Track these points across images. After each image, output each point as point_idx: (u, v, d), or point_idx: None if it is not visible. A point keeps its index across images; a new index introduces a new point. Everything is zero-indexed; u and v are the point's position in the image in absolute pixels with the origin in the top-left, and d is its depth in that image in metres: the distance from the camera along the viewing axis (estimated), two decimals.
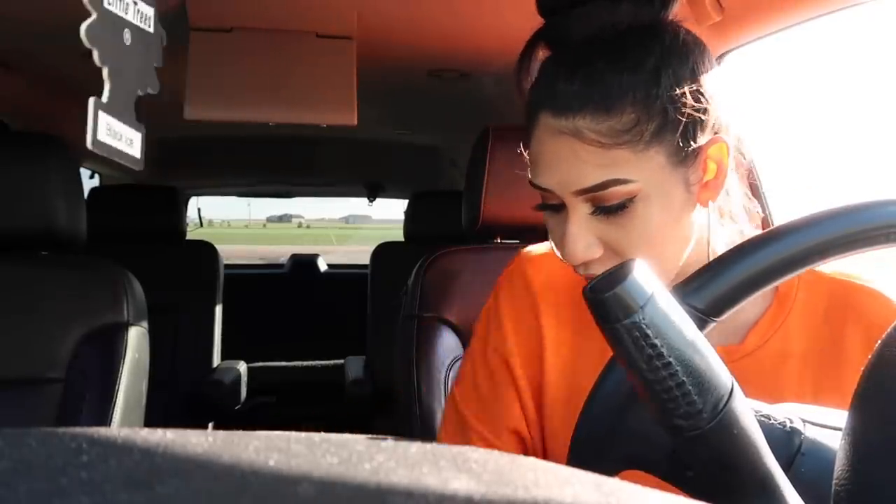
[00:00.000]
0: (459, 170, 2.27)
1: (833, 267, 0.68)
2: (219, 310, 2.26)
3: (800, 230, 0.46)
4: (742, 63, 1.22)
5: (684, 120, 0.58)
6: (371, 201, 3.30)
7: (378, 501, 0.17)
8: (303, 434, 0.22)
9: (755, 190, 1.23)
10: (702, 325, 0.46)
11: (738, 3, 1.05)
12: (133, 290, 1.14)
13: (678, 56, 0.59)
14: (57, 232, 1.11)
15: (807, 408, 0.44)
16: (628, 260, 0.36)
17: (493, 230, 1.25)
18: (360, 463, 0.19)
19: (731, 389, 0.36)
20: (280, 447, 0.20)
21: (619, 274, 0.35)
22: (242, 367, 2.31)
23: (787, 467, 0.39)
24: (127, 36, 0.33)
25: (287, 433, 0.22)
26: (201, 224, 3.67)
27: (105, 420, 1.06)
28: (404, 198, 2.92)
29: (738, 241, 0.68)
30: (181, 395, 2.07)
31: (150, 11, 0.34)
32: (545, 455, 0.74)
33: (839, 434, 0.32)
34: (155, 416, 1.19)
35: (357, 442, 0.21)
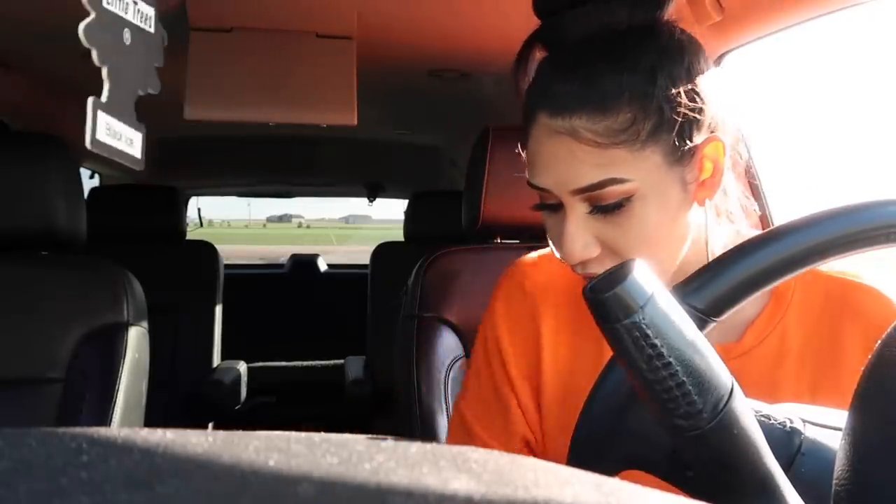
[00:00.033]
0: (459, 170, 2.27)
1: (830, 265, 0.68)
2: (219, 310, 2.26)
3: (800, 230, 0.46)
4: (742, 63, 1.22)
5: (680, 119, 0.58)
6: (371, 201, 3.30)
7: (378, 501, 0.17)
8: (303, 434, 0.22)
9: (755, 190, 1.23)
10: (702, 325, 0.46)
11: (738, 3, 1.05)
12: (133, 290, 1.14)
13: (674, 56, 0.59)
14: (57, 232, 1.11)
15: (807, 408, 0.44)
16: (628, 260, 0.36)
17: (493, 230, 1.25)
18: (360, 463, 0.19)
19: (732, 389, 0.36)
20: (280, 447, 0.20)
21: (619, 274, 0.35)
22: (242, 367, 2.31)
23: (787, 467, 0.39)
24: (127, 36, 0.33)
25: (287, 433, 0.22)
26: (201, 224, 3.67)
27: (105, 420, 1.06)
28: (404, 198, 2.91)
29: (735, 240, 0.69)
30: (181, 395, 2.07)
31: (150, 11, 0.34)
32: (544, 455, 0.74)
33: (839, 434, 0.32)
34: (155, 416, 1.19)
35: (357, 442, 0.21)
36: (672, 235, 0.62)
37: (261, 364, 2.97)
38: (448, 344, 1.14)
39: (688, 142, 0.59)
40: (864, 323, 0.64)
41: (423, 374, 1.11)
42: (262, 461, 0.19)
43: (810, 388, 0.65)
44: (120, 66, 0.32)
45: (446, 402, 1.10)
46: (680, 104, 0.58)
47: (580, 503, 0.17)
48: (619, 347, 0.35)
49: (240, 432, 0.21)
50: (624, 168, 0.58)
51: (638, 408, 0.43)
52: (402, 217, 2.65)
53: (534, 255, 0.80)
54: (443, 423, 1.09)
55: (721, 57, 1.18)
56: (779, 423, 0.41)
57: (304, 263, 3.50)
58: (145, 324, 1.16)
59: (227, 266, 2.41)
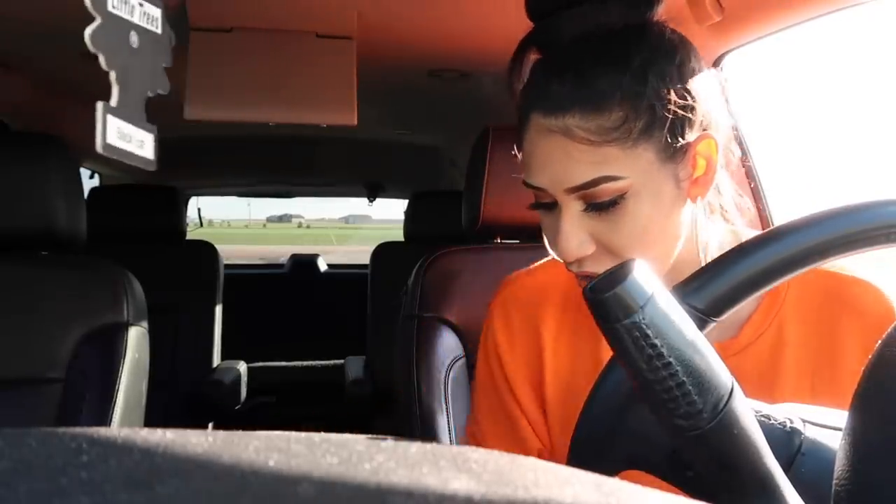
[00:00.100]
0: (459, 170, 2.27)
1: None
2: (219, 310, 2.26)
3: (800, 230, 0.46)
4: (742, 63, 1.22)
5: (671, 117, 0.59)
6: (371, 201, 3.30)
7: (378, 501, 0.17)
8: (303, 434, 0.22)
9: (755, 190, 1.23)
10: (702, 325, 0.46)
11: (738, 3, 1.04)
12: (133, 290, 1.14)
13: (664, 55, 0.60)
14: (57, 232, 1.11)
15: (807, 408, 0.44)
16: (628, 260, 0.36)
17: (493, 230, 1.25)
18: (360, 463, 0.19)
19: (732, 389, 0.36)
20: (280, 447, 0.20)
21: (619, 274, 0.35)
22: (242, 367, 2.31)
23: (787, 467, 0.39)
24: (134, 38, 0.33)
25: (287, 433, 0.22)
26: (201, 224, 3.67)
27: (105, 420, 1.06)
28: (404, 198, 2.92)
29: (732, 238, 0.69)
30: (181, 395, 2.07)
31: (157, 12, 0.34)
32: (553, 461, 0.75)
33: (839, 434, 0.32)
34: (155, 416, 1.19)
35: (357, 442, 0.21)
36: (666, 232, 0.62)
37: (261, 364, 2.97)
38: (448, 344, 1.14)
39: (680, 139, 0.60)
40: (860, 316, 0.65)
41: (423, 374, 1.11)
42: (262, 461, 0.19)
43: (809, 383, 0.65)
44: (128, 69, 0.32)
45: (446, 402, 1.10)
46: (671, 102, 0.59)
47: (580, 503, 0.17)
48: (619, 347, 0.35)
49: (240, 432, 0.21)
50: (617, 166, 0.59)
51: (638, 408, 0.43)
52: (402, 217, 2.65)
53: (528, 268, 0.81)
54: (443, 423, 1.09)
55: (721, 57, 1.18)
56: (779, 423, 0.41)
57: (304, 263, 3.50)
58: (145, 324, 1.16)
59: (227, 266, 2.41)
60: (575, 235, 0.62)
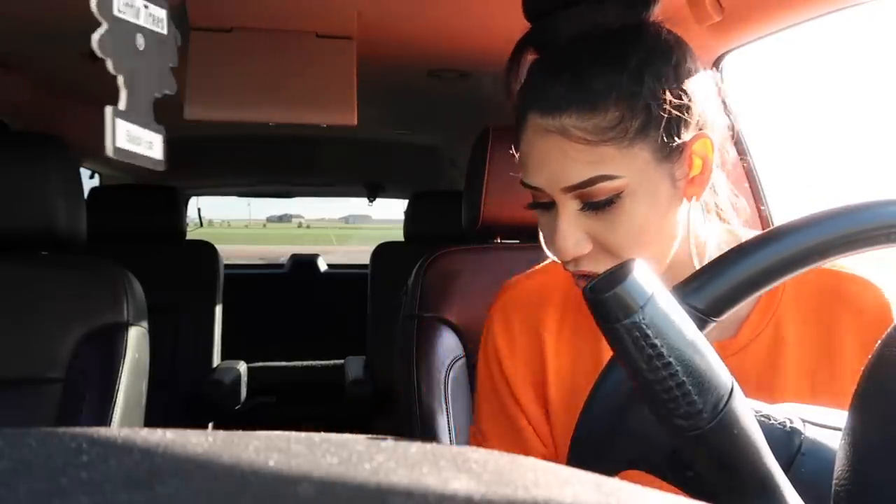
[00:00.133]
0: (459, 170, 2.27)
1: None
2: (219, 310, 2.26)
3: (800, 230, 0.46)
4: (742, 63, 1.22)
5: (667, 116, 0.59)
6: (371, 201, 3.30)
7: (378, 501, 0.17)
8: (303, 434, 0.22)
9: (755, 190, 1.23)
10: (702, 325, 0.46)
11: (738, 3, 1.05)
12: (133, 290, 1.14)
13: (660, 55, 0.61)
14: (57, 232, 1.11)
15: (807, 408, 0.44)
16: (628, 260, 0.36)
17: (493, 230, 1.25)
18: (360, 463, 0.19)
19: (732, 389, 0.36)
20: (280, 447, 0.20)
21: (619, 274, 0.35)
22: (242, 367, 2.31)
23: (787, 467, 0.39)
24: (140, 41, 0.33)
25: (287, 433, 0.22)
26: (201, 224, 3.67)
27: (105, 420, 1.06)
28: (404, 198, 2.91)
29: (729, 238, 0.69)
30: (181, 395, 2.07)
31: (162, 13, 0.34)
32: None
33: (839, 434, 0.32)
34: (155, 416, 1.19)
35: (357, 442, 0.21)
36: (663, 231, 0.63)
37: (261, 364, 2.97)
38: (448, 344, 1.14)
39: (675, 139, 0.60)
40: (858, 313, 0.66)
41: (423, 374, 1.11)
42: (262, 461, 0.19)
43: (808, 382, 0.65)
44: (135, 72, 0.32)
45: (446, 402, 1.10)
46: (667, 102, 0.59)
47: (580, 503, 0.17)
48: (619, 347, 0.35)
49: (240, 432, 0.21)
50: (613, 165, 0.59)
51: (638, 408, 0.43)
52: (402, 217, 2.65)
53: (527, 272, 0.81)
54: (443, 423, 1.09)
55: (721, 57, 1.18)
56: (779, 423, 0.41)
57: (304, 263, 3.50)
58: (145, 324, 1.16)
59: (227, 266, 2.41)
60: (572, 234, 0.62)
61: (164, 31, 0.34)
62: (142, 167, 0.34)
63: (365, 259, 2.76)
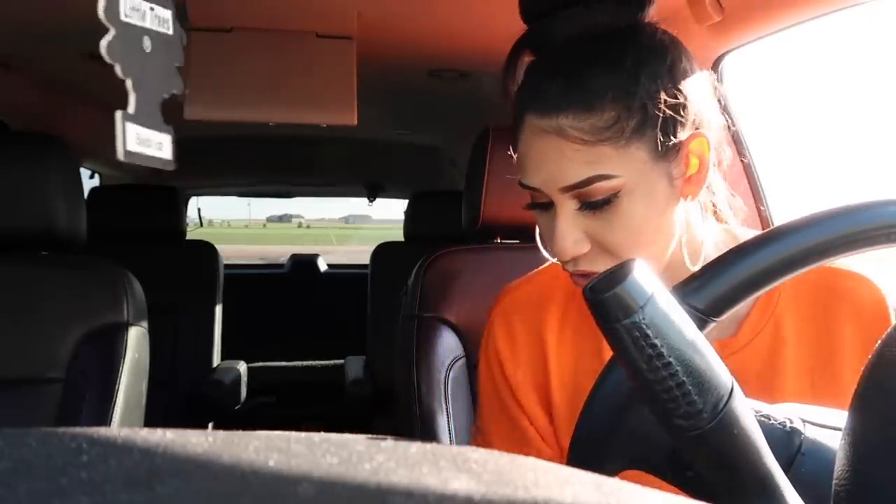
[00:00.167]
0: (459, 170, 2.27)
1: None
2: (219, 310, 2.26)
3: (800, 230, 0.46)
4: (742, 63, 1.22)
5: (663, 116, 0.60)
6: (371, 201, 3.30)
7: (378, 501, 0.17)
8: (303, 434, 0.22)
9: (755, 190, 1.23)
10: (702, 325, 0.46)
11: (738, 3, 1.05)
12: (133, 290, 1.14)
13: (656, 55, 0.61)
14: (57, 232, 1.11)
15: (807, 408, 0.44)
16: (628, 260, 0.36)
17: (493, 230, 1.25)
18: (360, 463, 0.19)
19: (732, 389, 0.36)
20: (280, 447, 0.20)
21: (619, 274, 0.35)
22: (242, 367, 2.31)
23: (787, 467, 0.39)
24: (147, 43, 0.33)
25: (287, 433, 0.22)
26: (201, 224, 3.67)
27: (105, 420, 1.06)
28: (404, 198, 2.91)
29: (727, 238, 0.70)
30: (181, 395, 2.07)
31: (167, 14, 0.34)
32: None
33: (839, 434, 0.32)
34: (155, 416, 1.19)
35: (357, 442, 0.21)
36: (660, 231, 0.63)
37: (261, 364, 2.97)
38: (448, 344, 1.14)
39: (672, 138, 0.60)
40: (856, 310, 0.66)
41: (423, 374, 1.11)
42: (262, 461, 0.19)
43: (808, 380, 0.66)
44: (143, 74, 0.32)
45: (446, 402, 1.10)
46: (662, 101, 0.59)
47: (580, 503, 0.17)
48: (619, 347, 0.35)
49: (240, 432, 0.21)
50: (610, 164, 0.59)
51: (638, 408, 0.43)
52: (402, 217, 2.65)
53: (527, 275, 0.82)
54: (443, 422, 1.09)
55: (721, 57, 1.18)
56: (779, 423, 0.41)
57: (304, 263, 3.50)
58: (145, 324, 1.16)
59: (227, 266, 2.41)
60: (570, 234, 0.62)
61: (170, 32, 0.34)
62: (144, 167, 0.34)
63: (365, 259, 2.76)
